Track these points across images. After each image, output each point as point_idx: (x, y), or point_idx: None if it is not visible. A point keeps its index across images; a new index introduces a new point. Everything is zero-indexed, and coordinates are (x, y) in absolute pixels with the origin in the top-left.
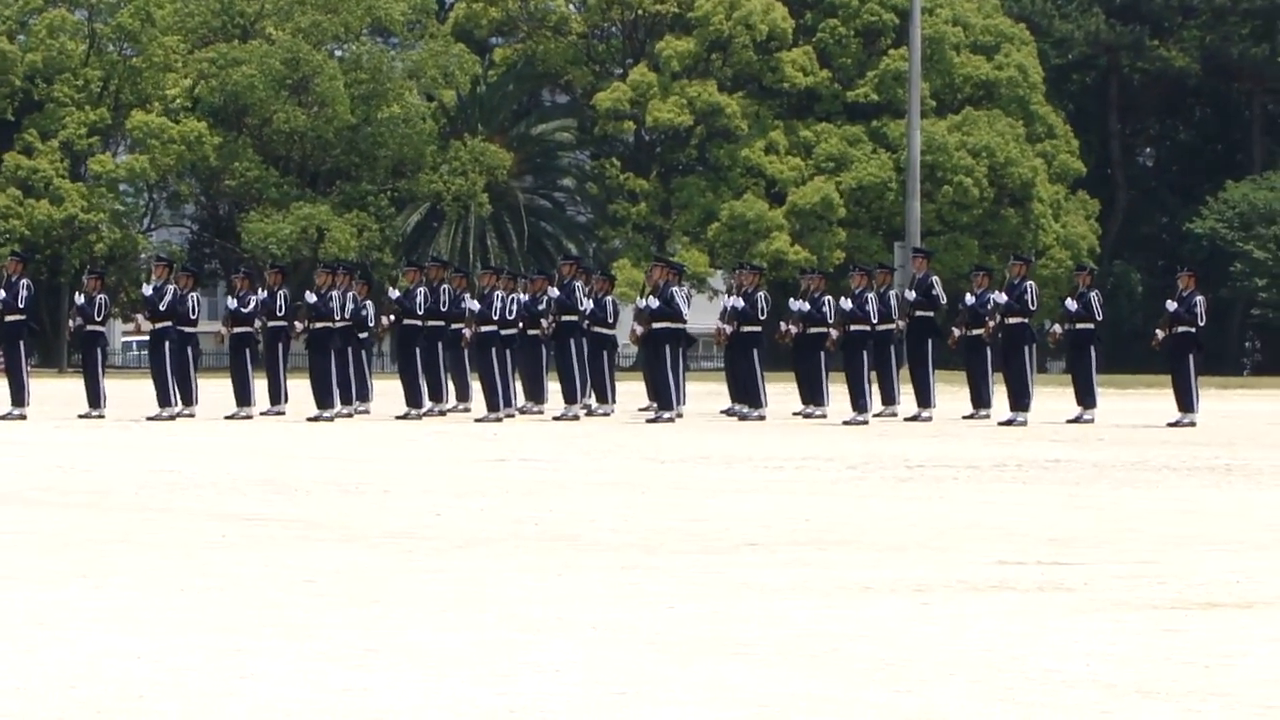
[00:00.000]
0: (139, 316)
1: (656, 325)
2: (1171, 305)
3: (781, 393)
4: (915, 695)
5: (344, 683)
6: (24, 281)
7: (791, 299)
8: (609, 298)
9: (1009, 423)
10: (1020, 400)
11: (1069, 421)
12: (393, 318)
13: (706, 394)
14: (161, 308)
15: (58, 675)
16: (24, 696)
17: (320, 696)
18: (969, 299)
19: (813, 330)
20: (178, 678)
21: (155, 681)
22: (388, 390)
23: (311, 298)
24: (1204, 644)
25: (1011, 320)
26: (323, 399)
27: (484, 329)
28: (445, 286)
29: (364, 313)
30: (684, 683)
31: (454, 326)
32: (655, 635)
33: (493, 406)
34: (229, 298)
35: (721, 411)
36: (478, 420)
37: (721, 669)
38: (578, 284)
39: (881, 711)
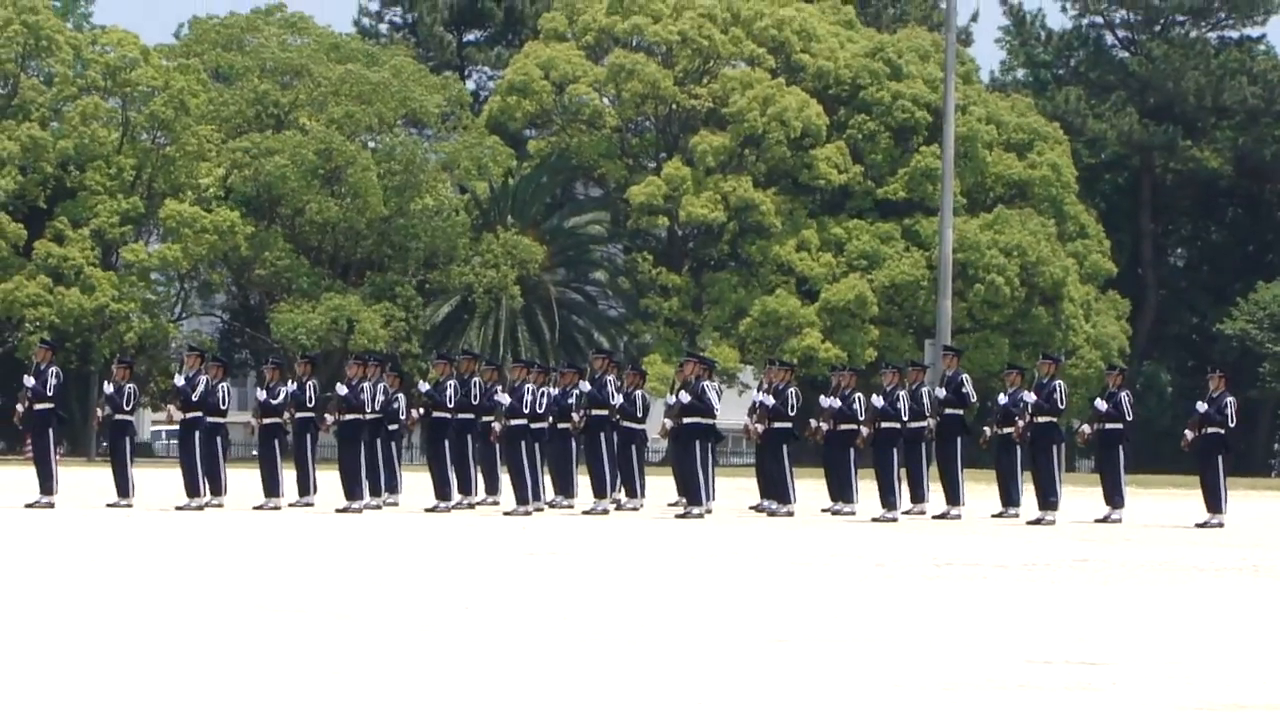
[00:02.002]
0: (170, 406)
1: (687, 420)
2: (1202, 406)
3: (811, 489)
4: None
5: None
6: (53, 369)
7: (822, 396)
8: (639, 392)
9: (1037, 521)
10: (1048, 499)
11: (1097, 521)
12: (423, 410)
13: (736, 489)
14: (194, 398)
15: None
16: None
17: None
18: (1002, 398)
19: (843, 427)
20: None
21: None
22: (417, 483)
23: (343, 389)
24: None
25: (1040, 419)
26: (352, 490)
27: (514, 422)
28: (476, 379)
29: (395, 405)
30: None
31: (484, 419)
32: None
33: (522, 500)
34: (259, 389)
35: (750, 507)
36: (507, 514)
37: None
38: (609, 378)
39: None
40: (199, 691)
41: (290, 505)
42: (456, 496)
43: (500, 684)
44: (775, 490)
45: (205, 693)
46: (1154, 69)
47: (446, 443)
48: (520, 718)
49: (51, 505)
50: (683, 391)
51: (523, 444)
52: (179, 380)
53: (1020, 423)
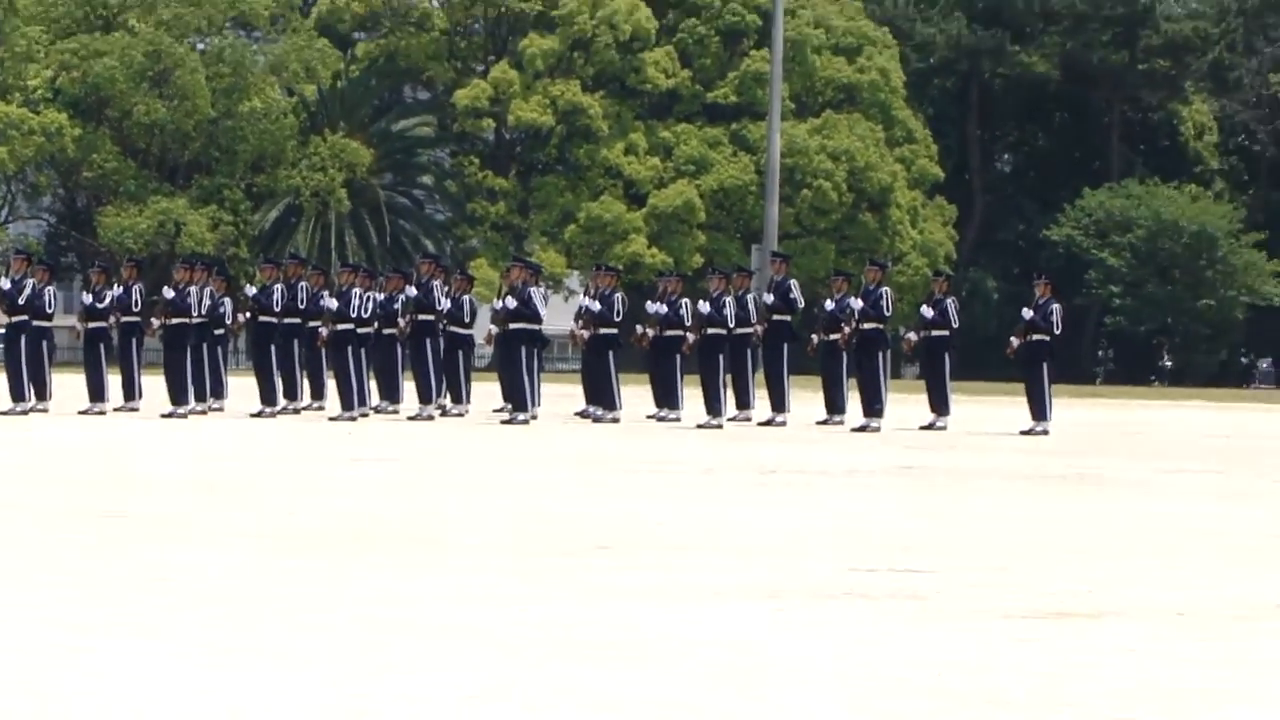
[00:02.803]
0: None
1: (513, 326)
2: (1027, 313)
3: (637, 396)
4: (766, 702)
5: (198, 682)
6: None
7: (649, 301)
8: (466, 297)
9: (863, 429)
10: (874, 406)
11: (922, 428)
12: (249, 315)
13: (561, 395)
14: (20, 302)
15: None
16: None
17: (173, 696)
18: (828, 304)
19: (669, 333)
20: (25, 675)
21: (1, 679)
22: (242, 387)
23: (169, 293)
24: (1055, 653)
25: (866, 326)
26: (177, 395)
27: (340, 327)
28: (303, 284)
29: (221, 309)
30: (535, 685)
31: (310, 324)
32: (507, 637)
33: (348, 405)
34: (84, 292)
35: (576, 413)
36: (332, 419)
37: (573, 672)
38: (435, 283)
39: (734, 716)
40: (10, 599)
41: (115, 410)
42: (282, 402)
43: (322, 591)
44: (601, 397)
45: (16, 601)
46: None
47: (273, 347)
48: (341, 624)
49: None
50: (509, 297)
51: (349, 349)
52: (4, 284)
53: (846, 329)
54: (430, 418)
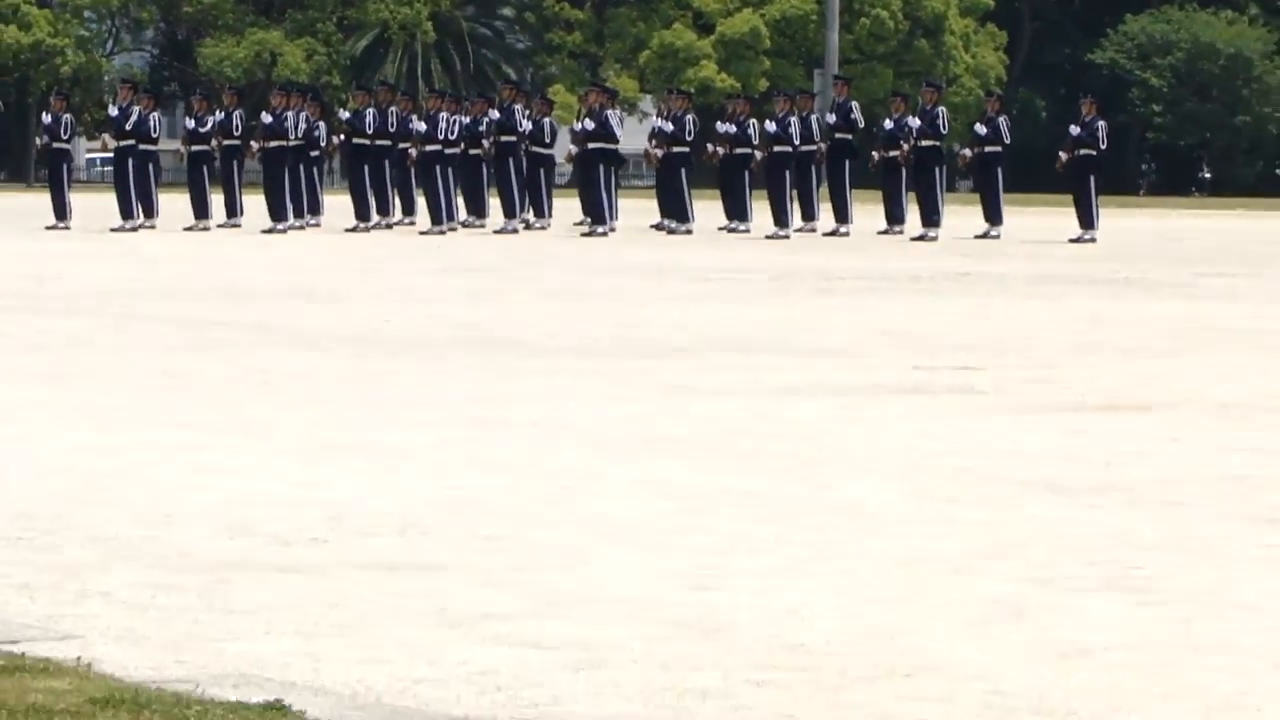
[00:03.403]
0: (105, 135)
1: (591, 145)
2: (1075, 129)
3: (708, 209)
4: (835, 490)
5: (300, 477)
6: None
7: (718, 122)
8: (546, 119)
9: (921, 238)
10: (931, 217)
11: (977, 237)
12: (343, 137)
13: (637, 210)
14: (127, 127)
15: (26, 468)
16: None
17: (277, 487)
18: (887, 123)
19: (738, 151)
20: (142, 471)
21: (120, 474)
22: (337, 205)
23: (267, 118)
24: (1105, 444)
25: (924, 143)
26: (276, 212)
27: (429, 148)
28: (393, 109)
29: (316, 133)
30: (620, 478)
31: (401, 145)
32: (594, 433)
33: (436, 220)
34: (187, 118)
35: (651, 226)
36: (422, 233)
37: (654, 465)
38: (517, 107)
39: (802, 504)
40: (127, 401)
41: (219, 227)
42: (375, 217)
43: (418, 393)
44: (674, 210)
45: (132, 403)
46: None
47: (366, 167)
48: (436, 422)
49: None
50: (587, 119)
51: (437, 168)
52: (113, 111)
53: (905, 146)
54: (514, 231)
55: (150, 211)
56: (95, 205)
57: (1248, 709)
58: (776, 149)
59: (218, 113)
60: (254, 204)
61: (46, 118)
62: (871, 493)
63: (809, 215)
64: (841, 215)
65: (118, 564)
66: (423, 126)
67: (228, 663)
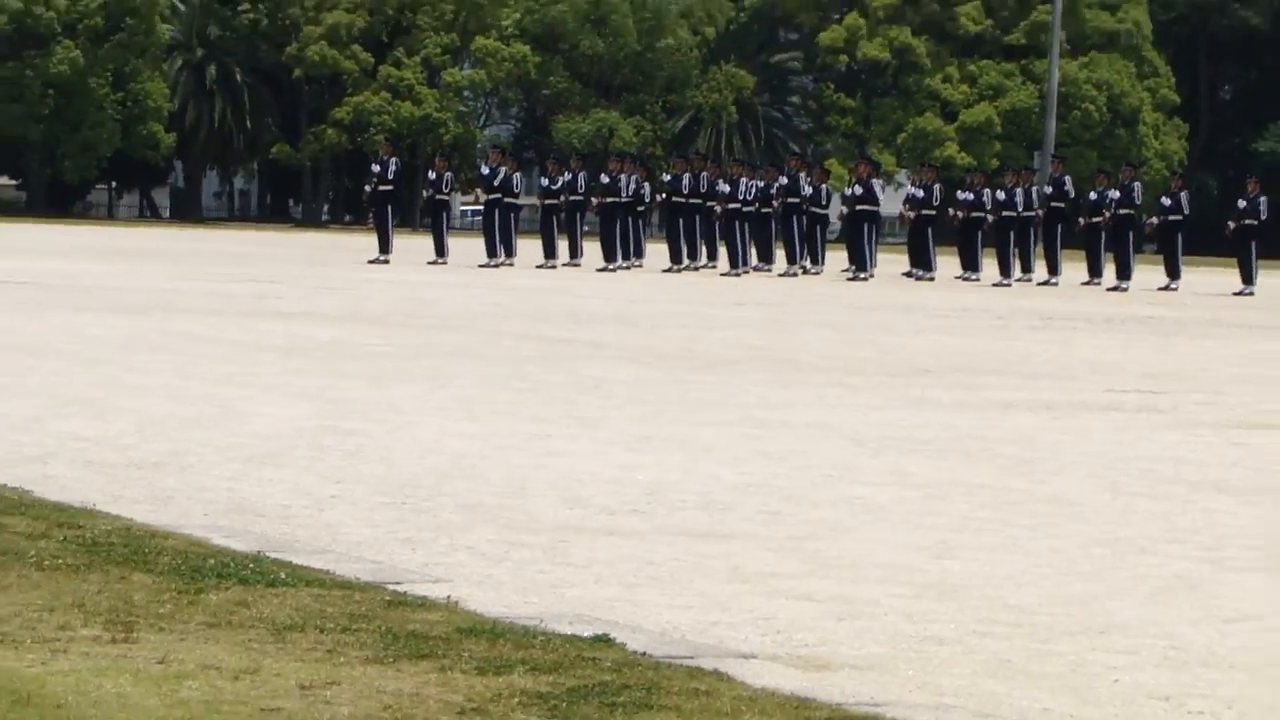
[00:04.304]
0: (477, 190)
1: (858, 207)
2: (1241, 203)
3: (947, 262)
4: (1046, 484)
5: (624, 460)
6: (393, 160)
7: (959, 191)
8: (824, 186)
9: (1115, 288)
10: (1124, 272)
11: (1160, 289)
12: (664, 196)
13: (892, 261)
14: (495, 184)
15: (412, 448)
16: (387, 464)
17: (606, 469)
18: (1092, 195)
19: (974, 215)
20: (501, 453)
21: (484, 455)
22: (656, 251)
23: (605, 179)
24: (1263, 454)
25: (1121, 211)
26: (609, 255)
27: (730, 206)
28: (704, 174)
29: (643, 192)
30: (875, 469)
31: (708, 204)
32: (854, 434)
33: (734, 265)
34: (542, 178)
35: (902, 274)
36: (722, 275)
37: (902, 460)
38: (801, 175)
39: (1021, 494)
40: (490, 399)
41: (564, 265)
42: (686, 261)
43: (720, 398)
44: (921, 261)
45: (494, 400)
46: None
47: (680, 221)
48: (731, 422)
49: (387, 262)
50: (856, 186)
51: (736, 223)
52: (484, 170)
53: (1106, 214)
54: (795, 275)
55: (510, 252)
56: (467, 247)
57: None
58: (1004, 214)
59: (566, 174)
60: (591, 249)
61: (431, 174)
62: (1074, 487)
63: (1027, 268)
64: (1053, 268)
65: (480, 525)
66: (726, 189)
67: (565, 604)
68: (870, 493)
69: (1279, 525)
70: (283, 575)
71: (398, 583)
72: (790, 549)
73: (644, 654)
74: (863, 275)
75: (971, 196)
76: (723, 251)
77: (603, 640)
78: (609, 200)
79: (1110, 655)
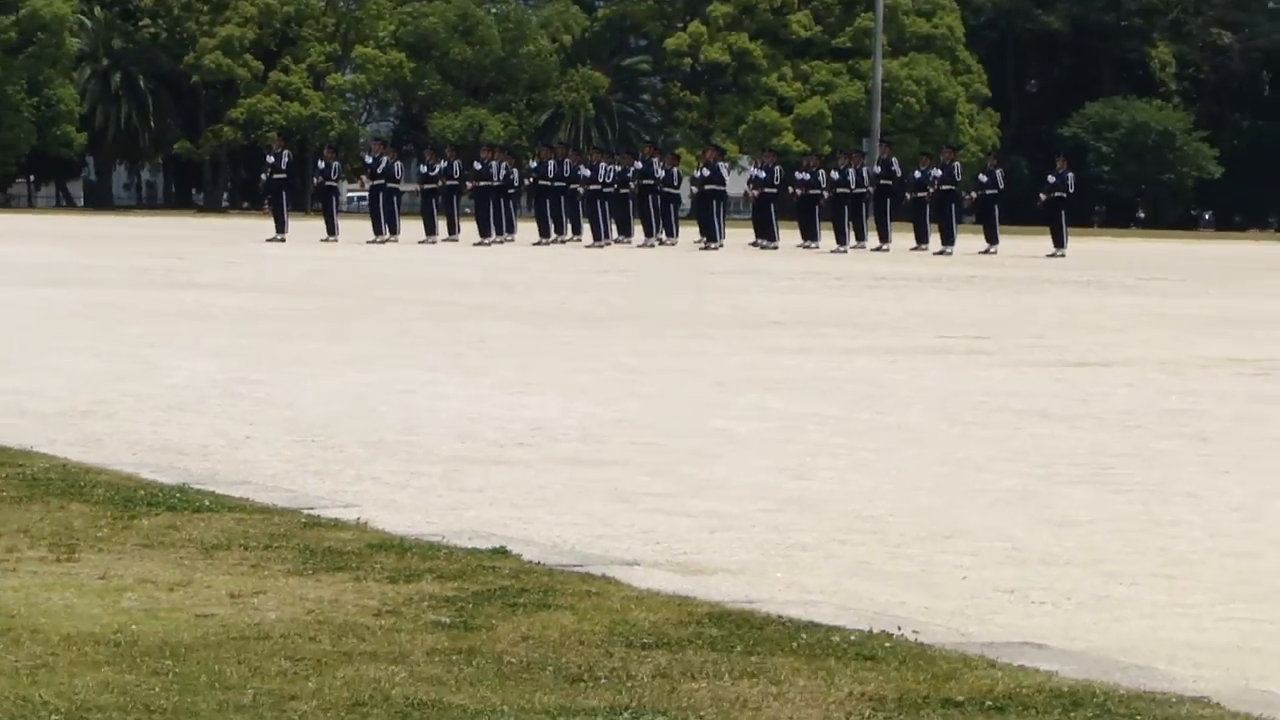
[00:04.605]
0: (363, 177)
1: (707, 186)
2: (1051, 178)
3: (788, 235)
4: (890, 415)
5: (508, 401)
6: (285, 152)
7: (796, 171)
8: (675, 169)
9: (941, 253)
10: (948, 238)
11: (980, 253)
12: (531, 180)
13: (738, 234)
14: (379, 171)
15: (316, 395)
16: (295, 408)
17: (493, 410)
18: (916, 174)
19: (810, 192)
20: (397, 397)
21: (382, 399)
22: (527, 229)
23: (477, 166)
24: (1079, 387)
25: (945, 188)
26: (483, 232)
27: (591, 188)
28: (566, 160)
29: (512, 176)
30: (737, 405)
31: (571, 186)
32: (716, 376)
33: (596, 238)
34: (421, 166)
35: (748, 244)
36: (587, 247)
37: (761, 398)
38: (655, 160)
39: (868, 424)
40: (386, 351)
41: (442, 241)
42: (554, 235)
43: (589, 349)
44: (765, 233)
45: (391, 351)
46: None
47: (546, 201)
48: (603, 369)
49: (283, 241)
50: (704, 168)
51: (597, 202)
52: (368, 159)
53: (930, 189)
54: (651, 246)
55: (395, 230)
56: (355, 227)
57: (1192, 563)
58: (839, 190)
59: (443, 162)
60: (468, 227)
61: (320, 164)
62: (914, 418)
63: (861, 237)
64: (884, 237)
65: (382, 458)
66: (587, 173)
67: (464, 524)
68: (734, 425)
69: (1099, 446)
70: (207, 503)
71: (311, 508)
72: (664, 473)
73: (539, 563)
74: (714, 245)
75: (808, 176)
76: (586, 227)
77: (500, 552)
78: (482, 184)
79: (958, 556)
